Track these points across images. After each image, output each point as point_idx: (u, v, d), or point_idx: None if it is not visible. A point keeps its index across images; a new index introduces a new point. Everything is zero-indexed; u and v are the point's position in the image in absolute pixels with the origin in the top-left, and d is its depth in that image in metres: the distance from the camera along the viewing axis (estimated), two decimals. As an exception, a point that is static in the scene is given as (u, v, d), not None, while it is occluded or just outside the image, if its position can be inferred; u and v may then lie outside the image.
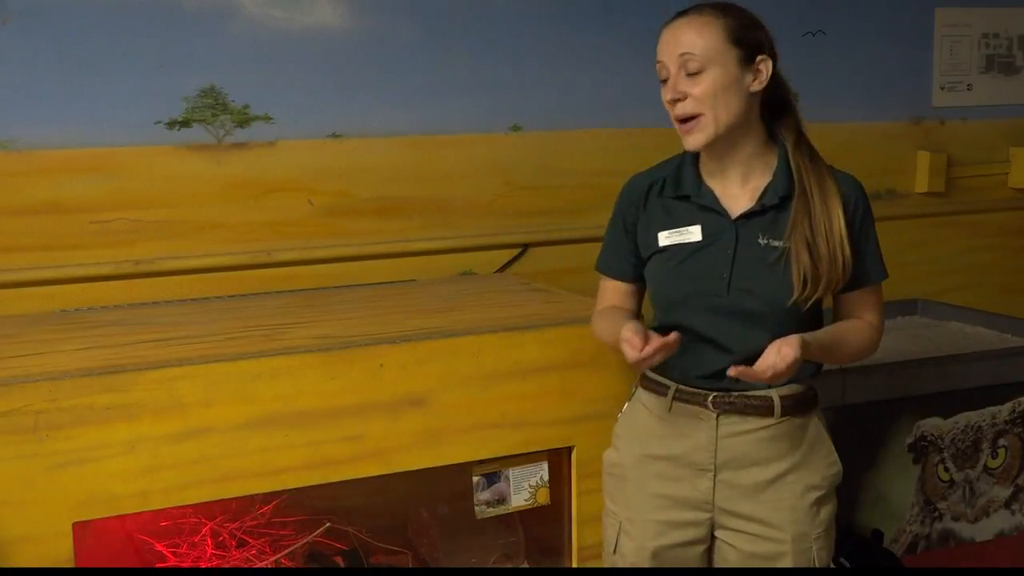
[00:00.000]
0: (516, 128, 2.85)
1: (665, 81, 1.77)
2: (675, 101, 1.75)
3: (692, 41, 1.72)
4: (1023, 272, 3.54)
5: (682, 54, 1.73)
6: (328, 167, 2.66)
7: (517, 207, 2.86)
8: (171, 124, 2.52)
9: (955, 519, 2.63)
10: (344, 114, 2.67)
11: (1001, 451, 2.65)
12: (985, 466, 2.64)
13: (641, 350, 1.67)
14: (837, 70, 3.12)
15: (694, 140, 1.76)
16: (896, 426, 2.52)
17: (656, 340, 1.68)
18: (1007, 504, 2.69)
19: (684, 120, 1.76)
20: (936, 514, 2.61)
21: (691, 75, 1.73)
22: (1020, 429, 2.66)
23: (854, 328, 1.84)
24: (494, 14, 2.78)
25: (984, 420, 2.61)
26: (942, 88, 3.39)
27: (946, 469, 2.59)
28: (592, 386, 2.13)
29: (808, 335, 1.72)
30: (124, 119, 2.47)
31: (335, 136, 2.67)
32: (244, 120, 2.58)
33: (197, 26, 2.51)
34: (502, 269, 2.84)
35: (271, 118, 2.60)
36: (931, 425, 2.55)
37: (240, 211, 2.59)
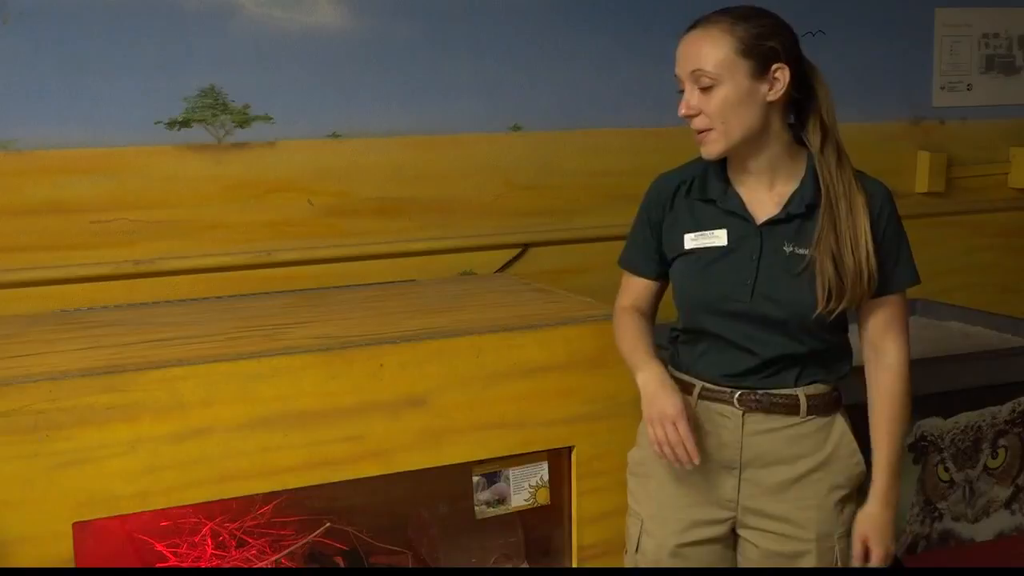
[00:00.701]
0: (516, 128, 2.85)
1: (682, 93, 1.77)
2: (689, 116, 1.76)
3: (703, 57, 1.72)
4: (1023, 272, 3.54)
5: (693, 71, 1.73)
6: (328, 167, 2.66)
7: (517, 207, 2.86)
8: (171, 124, 2.52)
9: (955, 519, 2.63)
10: (344, 114, 2.67)
11: (1001, 451, 2.65)
12: (985, 466, 2.64)
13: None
14: (837, 70, 3.09)
15: (706, 152, 1.78)
16: (896, 426, 2.52)
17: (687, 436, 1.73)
18: (1007, 504, 2.69)
19: (697, 132, 1.78)
20: (936, 514, 2.61)
21: (704, 90, 1.73)
22: (1020, 429, 2.65)
23: (890, 407, 1.83)
24: (494, 14, 2.78)
25: (984, 420, 2.61)
26: (942, 88, 3.39)
27: (946, 469, 2.59)
28: (592, 386, 2.12)
29: (888, 496, 1.82)
30: (124, 119, 2.47)
31: (335, 136, 2.67)
32: (244, 120, 2.58)
33: (197, 26, 2.51)
34: (502, 269, 2.84)
35: (271, 118, 2.60)
36: (931, 425, 2.55)
37: (240, 211, 2.59)
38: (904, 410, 1.84)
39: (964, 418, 2.58)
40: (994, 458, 2.64)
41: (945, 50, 3.37)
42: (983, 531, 2.67)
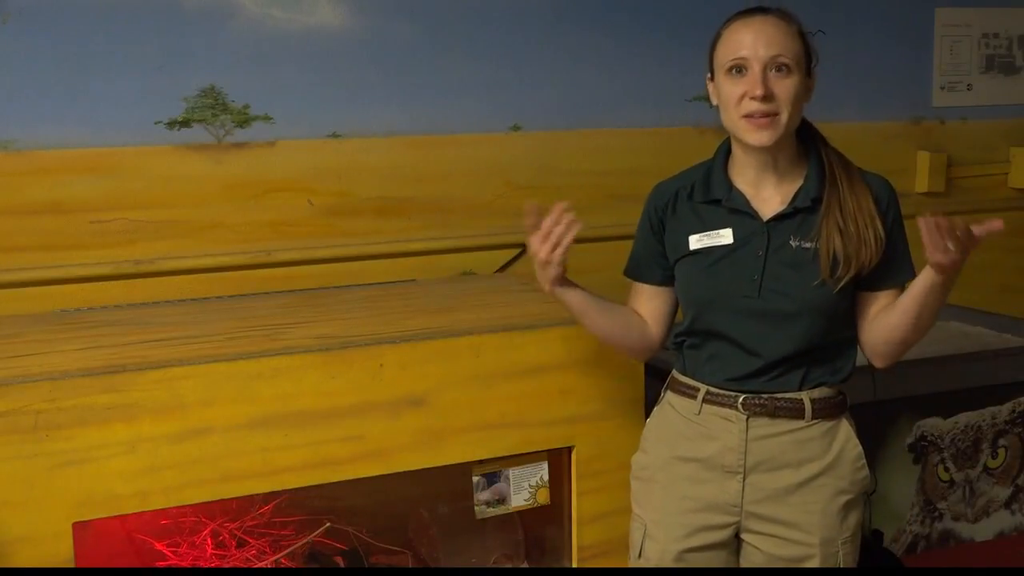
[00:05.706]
0: (516, 128, 2.85)
1: (739, 71, 1.74)
2: (763, 98, 1.72)
3: (782, 42, 1.74)
4: (1023, 272, 3.54)
5: (775, 55, 1.73)
6: (328, 167, 2.66)
7: (517, 207, 2.84)
8: (171, 124, 2.52)
9: (955, 519, 2.63)
10: (344, 114, 2.67)
11: (1001, 451, 2.65)
12: (985, 466, 2.64)
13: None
14: (837, 70, 3.11)
15: (765, 136, 1.74)
16: (896, 426, 2.52)
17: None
18: (1007, 504, 2.69)
19: (759, 115, 1.74)
20: (936, 514, 2.61)
21: (779, 74, 1.73)
22: (1020, 429, 2.66)
23: None
24: (494, 14, 2.78)
25: (984, 420, 2.61)
26: (942, 88, 3.39)
27: (946, 469, 2.59)
28: (591, 386, 2.12)
29: None
30: (124, 119, 2.47)
31: (335, 136, 2.67)
32: (244, 120, 2.58)
33: (197, 26, 2.51)
34: (502, 269, 2.83)
35: (271, 118, 2.60)
36: (931, 425, 2.55)
37: (240, 211, 2.59)
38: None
39: (964, 418, 2.58)
40: (994, 458, 2.64)
41: (945, 50, 3.37)
42: (983, 531, 2.67)
